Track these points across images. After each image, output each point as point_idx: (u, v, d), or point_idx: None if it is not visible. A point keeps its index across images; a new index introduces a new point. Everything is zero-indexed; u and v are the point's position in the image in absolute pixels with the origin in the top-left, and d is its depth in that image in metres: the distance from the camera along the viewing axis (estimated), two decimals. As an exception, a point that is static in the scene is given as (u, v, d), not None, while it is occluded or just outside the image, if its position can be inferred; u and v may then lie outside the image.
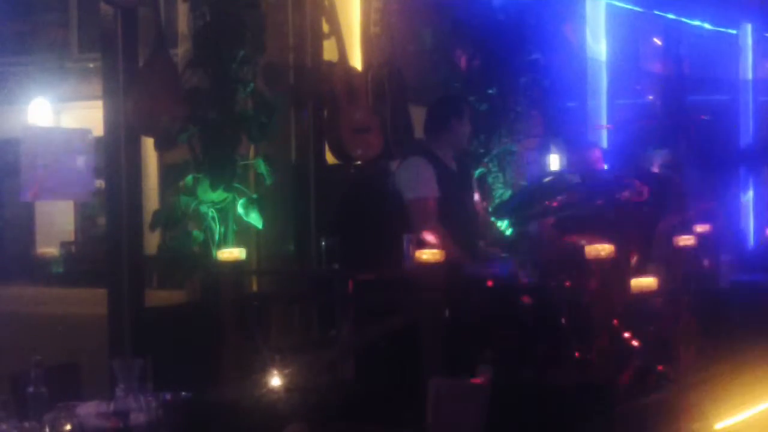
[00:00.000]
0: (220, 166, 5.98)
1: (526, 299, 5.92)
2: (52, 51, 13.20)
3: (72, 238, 13.63)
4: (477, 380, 4.38)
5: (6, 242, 12.08)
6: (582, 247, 5.54)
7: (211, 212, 5.99)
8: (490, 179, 7.92)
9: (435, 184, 6.01)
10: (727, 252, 7.34)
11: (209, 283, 5.89)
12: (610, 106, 9.80)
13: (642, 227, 6.98)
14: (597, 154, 7.84)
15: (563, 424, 4.84)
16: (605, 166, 7.86)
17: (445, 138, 6.22)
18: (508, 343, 5.62)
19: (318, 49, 6.76)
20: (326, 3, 6.69)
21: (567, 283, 6.15)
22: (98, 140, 6.30)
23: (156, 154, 7.93)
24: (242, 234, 6.11)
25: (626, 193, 6.95)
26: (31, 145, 6.24)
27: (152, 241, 6.38)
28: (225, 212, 6.02)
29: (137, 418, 3.49)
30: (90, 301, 6.62)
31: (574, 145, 8.47)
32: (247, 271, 6.07)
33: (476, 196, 6.53)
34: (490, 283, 5.92)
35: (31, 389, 3.49)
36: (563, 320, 5.78)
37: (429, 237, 5.70)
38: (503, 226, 6.37)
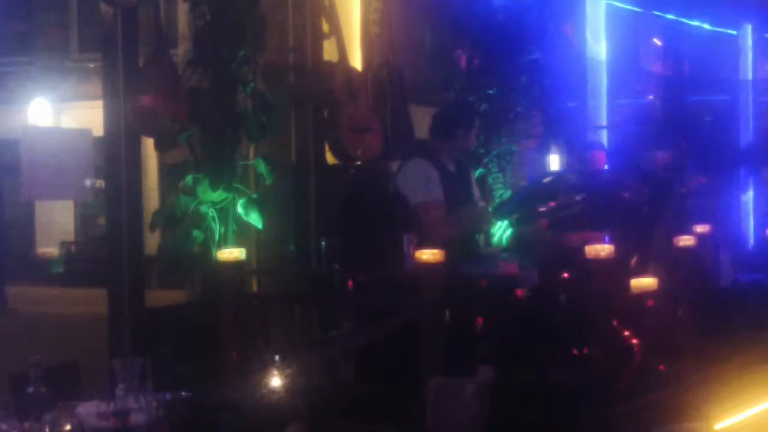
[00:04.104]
0: (220, 166, 5.98)
1: (526, 299, 5.92)
2: (52, 51, 13.20)
3: (72, 238, 13.63)
4: (477, 380, 4.38)
5: (6, 242, 12.08)
6: (581, 247, 5.54)
7: (211, 212, 5.99)
8: (490, 179, 7.92)
9: (439, 186, 6.03)
10: (727, 252, 7.34)
11: (209, 284, 5.89)
12: (610, 106, 9.80)
13: (642, 227, 6.97)
14: (599, 155, 7.83)
15: (563, 424, 4.85)
16: (605, 167, 7.86)
17: (449, 144, 6.23)
18: (507, 343, 5.62)
19: (318, 49, 6.76)
20: (326, 3, 6.69)
21: (567, 283, 6.16)
22: (98, 140, 6.31)
23: (156, 154, 7.95)
24: (242, 234, 6.11)
25: (626, 193, 6.95)
26: (31, 145, 6.25)
27: (152, 241, 6.39)
28: (225, 212, 6.02)
29: (137, 418, 3.49)
30: (90, 301, 6.63)
31: (576, 145, 8.47)
32: (247, 271, 6.07)
33: (476, 197, 6.53)
34: (489, 284, 5.92)
35: (31, 389, 3.48)
36: (563, 320, 5.78)
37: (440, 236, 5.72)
38: (503, 226, 6.36)
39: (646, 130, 9.40)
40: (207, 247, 5.97)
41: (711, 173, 10.17)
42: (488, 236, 6.24)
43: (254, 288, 6.44)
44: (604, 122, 9.53)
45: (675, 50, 11.26)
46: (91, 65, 11.44)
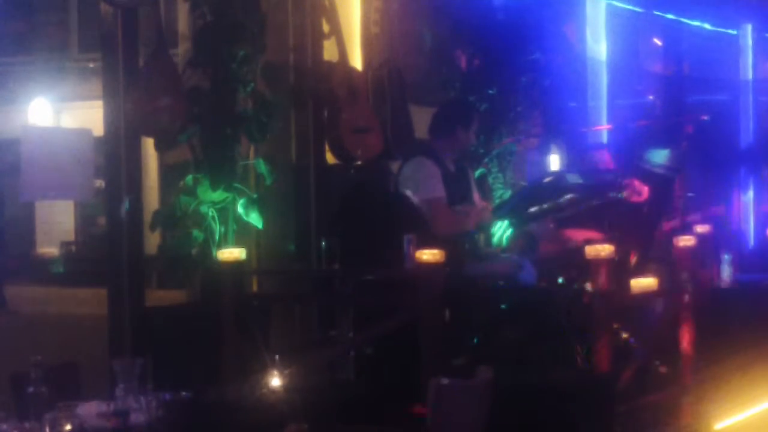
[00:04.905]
0: (220, 166, 5.98)
1: (526, 299, 5.92)
2: (52, 51, 13.18)
3: (72, 238, 13.61)
4: (477, 380, 4.38)
5: (6, 242, 12.08)
6: (582, 247, 5.54)
7: (211, 212, 5.99)
8: (490, 179, 7.92)
9: (441, 184, 6.05)
10: (727, 252, 7.34)
11: (209, 283, 5.89)
12: (610, 106, 9.79)
13: (642, 227, 6.98)
14: (605, 155, 7.83)
15: (563, 424, 4.84)
16: (611, 167, 7.86)
17: (448, 142, 6.25)
18: (507, 343, 5.62)
19: (318, 49, 6.76)
20: (326, 3, 6.69)
21: (567, 283, 6.17)
22: (98, 140, 6.30)
23: (156, 154, 7.94)
24: (242, 234, 6.11)
25: (626, 193, 6.95)
26: (31, 145, 6.23)
27: (152, 241, 6.38)
28: (225, 212, 6.02)
29: (137, 418, 3.49)
30: (90, 301, 6.62)
31: (580, 145, 8.48)
32: (247, 271, 6.07)
33: (476, 196, 6.53)
34: (490, 283, 5.92)
35: (31, 389, 3.49)
36: (563, 320, 5.78)
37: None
38: (503, 226, 6.37)
39: (646, 129, 9.39)
40: (207, 247, 5.97)
41: (711, 173, 10.18)
42: (488, 236, 6.24)
43: (254, 288, 6.44)
44: (604, 122, 9.52)
45: (675, 50, 11.26)
46: (91, 65, 11.42)
